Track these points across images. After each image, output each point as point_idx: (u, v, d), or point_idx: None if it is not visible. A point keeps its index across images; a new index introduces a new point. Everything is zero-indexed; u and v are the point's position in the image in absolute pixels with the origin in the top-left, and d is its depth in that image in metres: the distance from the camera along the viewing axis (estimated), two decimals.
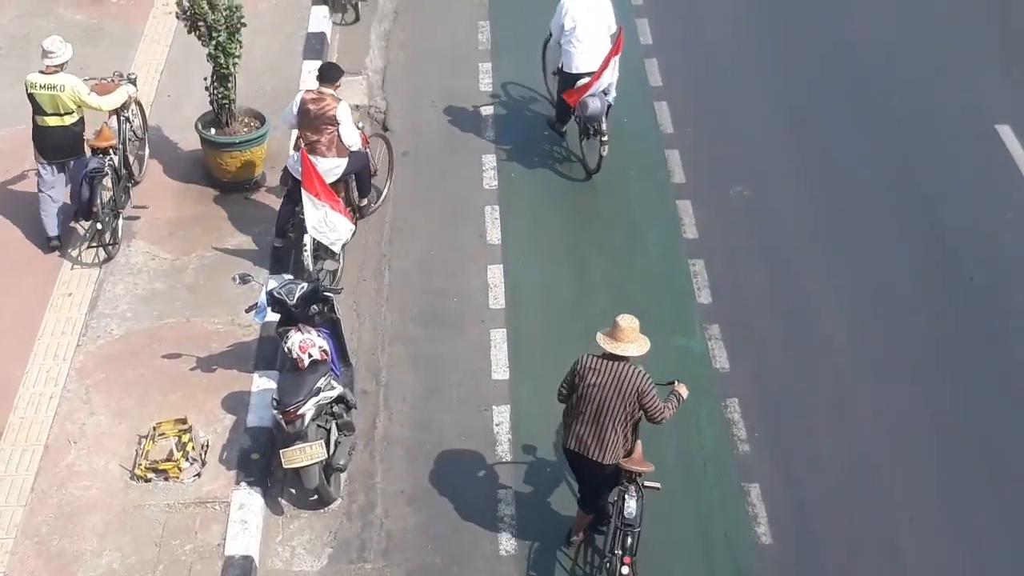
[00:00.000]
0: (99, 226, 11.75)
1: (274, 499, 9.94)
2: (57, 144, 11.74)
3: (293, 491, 10.01)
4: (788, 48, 15.51)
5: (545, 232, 12.68)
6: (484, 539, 9.78)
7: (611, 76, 12.93)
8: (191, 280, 11.74)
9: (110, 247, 11.96)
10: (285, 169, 12.00)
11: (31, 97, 11.64)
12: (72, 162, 11.79)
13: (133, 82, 12.50)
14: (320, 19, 15.44)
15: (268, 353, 10.95)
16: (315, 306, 10.13)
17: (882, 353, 11.38)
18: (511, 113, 14.33)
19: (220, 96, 12.30)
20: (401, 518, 9.92)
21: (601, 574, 9.35)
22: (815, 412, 10.83)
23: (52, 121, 11.65)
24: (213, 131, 12.51)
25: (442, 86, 14.73)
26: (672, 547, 9.72)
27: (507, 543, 9.75)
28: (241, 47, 12.14)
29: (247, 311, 10.41)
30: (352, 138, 11.81)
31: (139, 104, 13.01)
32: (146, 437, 10.15)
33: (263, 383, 10.62)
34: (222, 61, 12.04)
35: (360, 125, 12.31)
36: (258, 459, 10.05)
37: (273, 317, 10.25)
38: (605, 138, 13.00)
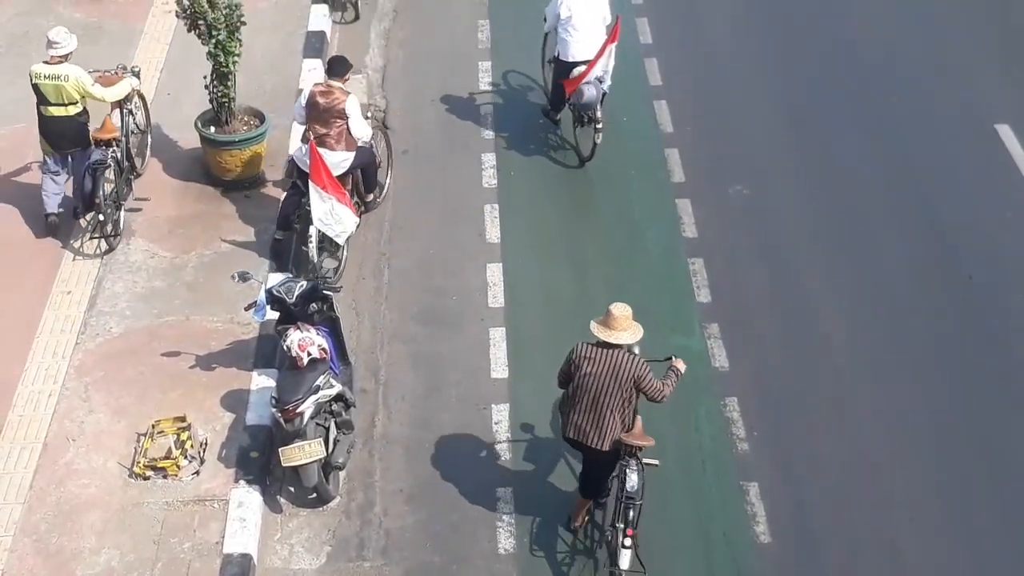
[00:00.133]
0: (101, 217, 11.80)
1: (273, 497, 9.94)
2: (61, 134, 11.80)
3: (292, 489, 10.01)
4: (788, 47, 15.51)
5: (544, 231, 12.68)
6: (483, 537, 9.77)
7: (606, 64, 13.01)
8: (190, 278, 11.74)
9: (112, 238, 12.01)
10: (291, 160, 12.08)
11: (35, 87, 11.70)
12: (76, 154, 11.83)
13: (137, 75, 12.56)
14: (320, 17, 15.44)
15: (267, 351, 10.94)
16: (314, 304, 10.13)
17: (881, 352, 11.38)
18: (511, 112, 14.32)
19: (220, 94, 12.30)
20: (400, 516, 9.92)
21: (602, 548, 9.44)
22: (814, 411, 10.83)
23: (56, 111, 11.70)
24: (213, 129, 12.50)
25: (442, 85, 14.72)
26: (671, 546, 9.72)
27: (506, 541, 9.75)
28: (241, 45, 12.13)
29: (246, 309, 10.40)
30: (362, 131, 11.90)
31: (142, 97, 13.06)
32: (145, 435, 10.15)
33: (262, 381, 10.62)
34: (222, 59, 12.03)
35: (368, 115, 12.36)
36: (257, 457, 10.05)
37: (272, 315, 10.25)
38: (599, 125, 13.10)
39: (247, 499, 9.71)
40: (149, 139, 13.15)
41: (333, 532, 9.77)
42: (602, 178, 13.36)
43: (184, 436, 10.11)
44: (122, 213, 12.12)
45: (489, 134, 13.97)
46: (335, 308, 10.41)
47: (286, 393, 9.46)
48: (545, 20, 13.63)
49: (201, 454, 10.07)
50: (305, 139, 11.83)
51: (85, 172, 11.68)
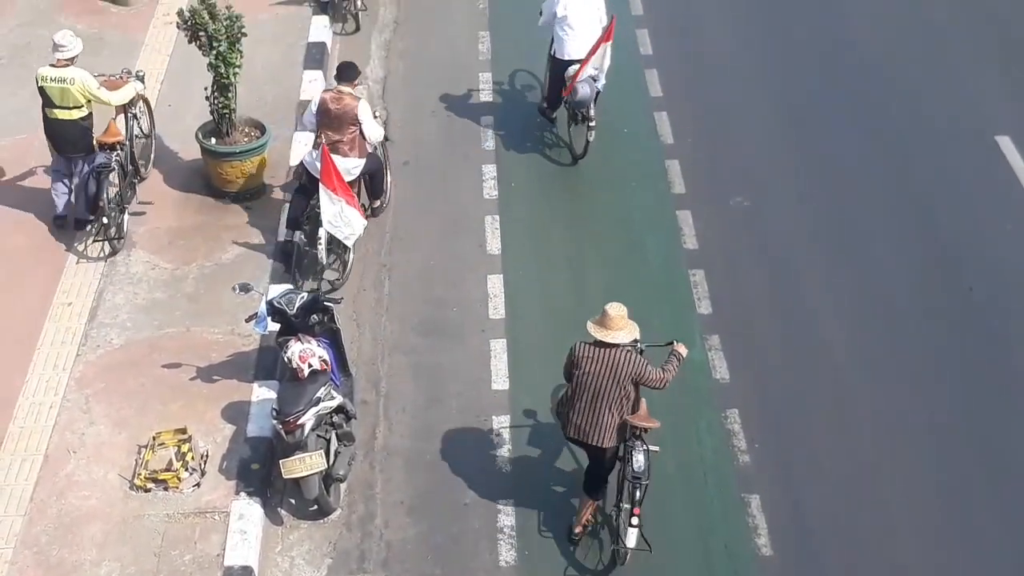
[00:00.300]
0: (105, 220, 11.87)
1: (273, 509, 9.93)
2: (65, 138, 11.88)
3: (293, 501, 9.99)
4: (788, 59, 15.53)
5: (545, 242, 12.69)
6: (484, 549, 9.76)
7: (600, 63, 13.12)
8: (191, 290, 11.74)
9: (115, 241, 12.07)
10: (301, 164, 12.20)
11: (41, 90, 11.78)
12: (80, 159, 11.89)
13: (141, 79, 12.66)
14: (321, 29, 15.47)
15: (268, 363, 10.94)
16: (315, 316, 10.13)
17: (882, 364, 11.38)
18: (511, 123, 14.33)
19: (220, 106, 12.31)
20: (401, 528, 9.91)
21: (604, 529, 9.59)
22: (816, 423, 10.82)
23: (61, 114, 11.77)
24: (213, 141, 12.52)
25: (442, 96, 14.74)
26: (673, 558, 9.70)
27: (507, 553, 9.73)
28: (242, 57, 12.15)
29: (247, 321, 10.41)
30: (375, 134, 12.08)
31: (146, 102, 13.14)
32: (146, 447, 10.14)
33: (263, 393, 10.62)
34: (223, 71, 12.05)
35: (377, 114, 12.40)
36: (258, 469, 10.04)
37: (273, 327, 10.24)
38: (592, 123, 13.23)
39: (248, 511, 9.70)
40: (153, 143, 13.22)
41: (334, 544, 9.76)
42: (603, 189, 13.38)
43: (185, 448, 10.10)
44: (126, 217, 12.21)
45: (490, 145, 13.98)
46: (336, 319, 10.41)
47: (287, 405, 9.46)
48: (541, 14, 13.77)
49: (202, 466, 10.06)
50: (318, 146, 11.86)
51: (89, 175, 11.78)
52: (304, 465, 9.41)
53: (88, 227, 12.13)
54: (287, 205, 12.40)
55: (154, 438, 10.20)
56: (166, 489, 9.87)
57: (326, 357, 9.91)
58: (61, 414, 10.48)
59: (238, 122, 12.63)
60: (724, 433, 10.71)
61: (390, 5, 16.42)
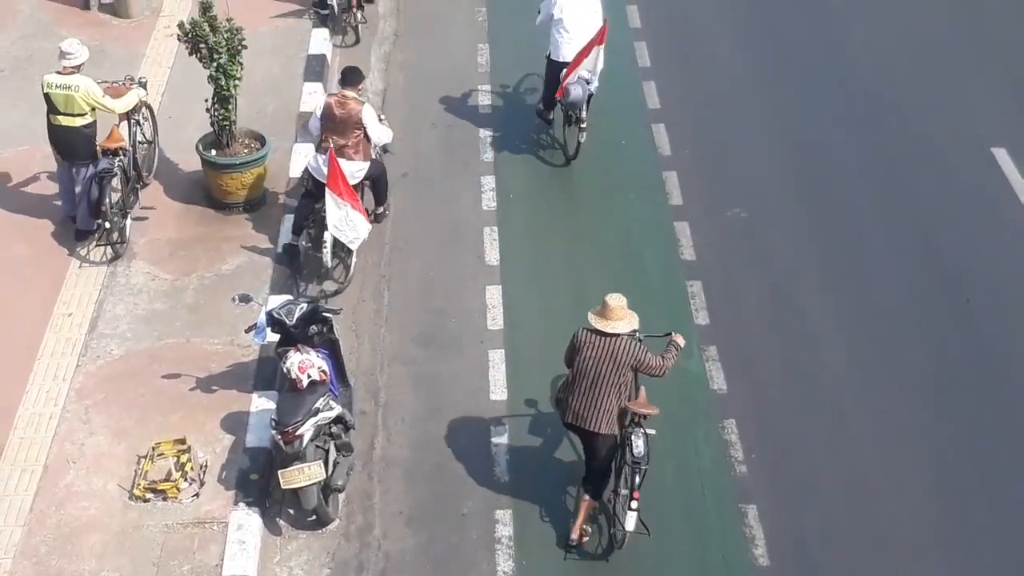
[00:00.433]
0: (107, 225, 11.95)
1: (272, 520, 9.95)
2: (69, 144, 11.99)
3: (291, 512, 10.01)
4: (786, 71, 15.58)
5: (544, 253, 12.72)
6: (482, 560, 9.78)
7: (592, 65, 13.29)
8: (191, 300, 11.78)
9: (118, 245, 12.16)
10: (306, 169, 12.31)
11: (47, 97, 11.89)
12: (84, 168, 11.99)
13: (144, 86, 12.75)
14: (321, 41, 15.53)
15: (267, 373, 10.98)
16: (314, 326, 10.16)
17: (880, 376, 11.41)
18: (510, 134, 14.38)
19: (221, 118, 12.37)
20: (399, 539, 9.93)
21: (600, 514, 9.77)
22: (813, 434, 10.85)
23: (64, 120, 11.88)
24: (214, 152, 12.57)
25: (441, 108, 14.80)
26: (670, 569, 9.74)
27: (505, 564, 9.75)
28: (242, 69, 12.21)
29: (246, 331, 10.44)
30: (384, 135, 12.23)
31: (149, 108, 13.24)
32: (145, 457, 10.17)
33: (262, 403, 10.65)
34: (223, 83, 12.11)
35: (382, 117, 12.52)
36: (257, 479, 10.07)
37: (272, 337, 10.28)
38: (583, 125, 13.45)
39: (247, 521, 9.73)
40: (156, 149, 13.31)
41: (332, 555, 9.78)
42: (601, 201, 13.43)
43: (184, 458, 10.13)
44: (128, 222, 12.31)
45: (488, 156, 14.03)
46: (335, 330, 10.44)
47: (286, 415, 9.49)
48: (539, 13, 13.93)
49: (201, 476, 10.09)
50: (322, 149, 11.97)
51: (91, 181, 11.88)
52: (303, 475, 9.44)
53: (89, 237, 12.20)
54: (289, 213, 12.52)
55: (153, 448, 10.23)
56: (165, 499, 9.89)
57: (325, 368, 9.94)
58: (61, 425, 10.51)
59: (238, 134, 12.68)
60: (721, 444, 10.73)
61: (390, 18, 16.49)
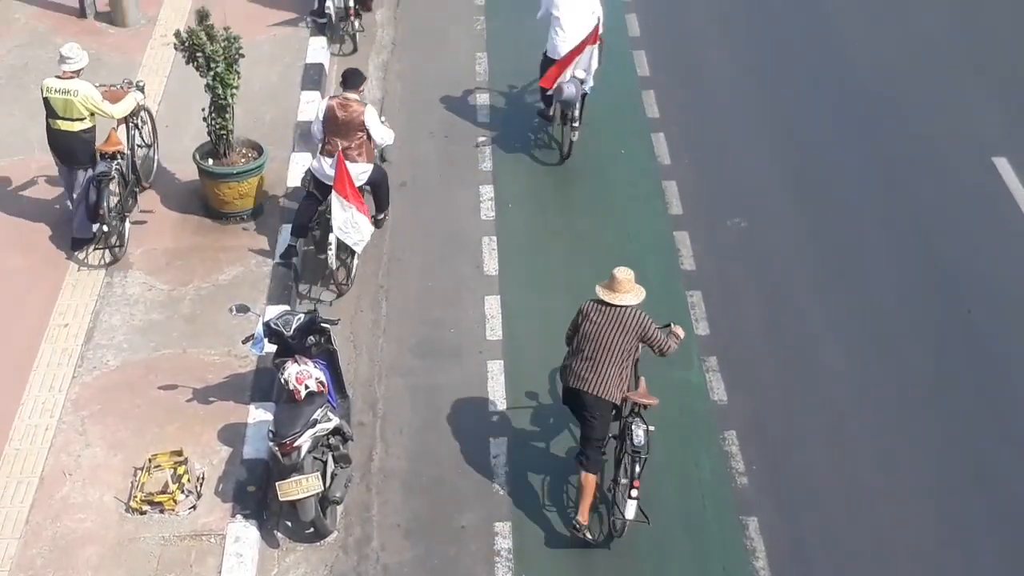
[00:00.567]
0: (105, 229, 11.94)
1: (270, 532, 9.88)
2: (67, 149, 12.01)
3: (289, 524, 9.94)
4: (785, 81, 15.56)
5: (542, 263, 12.68)
6: (481, 572, 9.71)
7: (587, 64, 13.43)
8: (188, 311, 11.72)
9: (116, 249, 12.15)
10: (308, 171, 12.41)
11: (46, 101, 11.91)
12: (82, 172, 12.01)
13: (141, 89, 12.77)
14: (318, 50, 15.50)
15: (264, 384, 10.92)
16: (312, 337, 10.12)
17: (881, 386, 11.36)
18: (508, 144, 14.35)
19: (218, 127, 12.32)
20: (397, 551, 9.86)
21: (602, 505, 9.88)
22: (814, 445, 10.80)
23: (63, 125, 11.90)
24: (211, 161, 12.52)
25: (439, 117, 14.76)
26: None
27: None
28: (239, 78, 12.18)
29: (244, 342, 10.39)
30: (386, 136, 12.30)
31: (148, 111, 13.24)
32: (142, 469, 10.11)
33: (259, 415, 10.59)
34: (220, 92, 12.07)
35: (383, 119, 12.53)
36: (254, 491, 10.01)
37: (270, 348, 10.24)
38: (576, 124, 13.59)
39: (244, 534, 9.66)
40: (156, 153, 13.30)
41: (330, 567, 9.70)
42: (600, 210, 13.38)
43: (181, 470, 10.06)
44: (127, 225, 12.30)
45: (487, 166, 13.99)
46: (333, 341, 10.39)
47: (283, 427, 9.43)
48: (540, 8, 14.04)
49: (198, 488, 10.03)
50: (325, 152, 12.01)
51: (89, 184, 11.88)
52: (300, 487, 9.38)
53: (85, 245, 12.16)
54: (287, 223, 12.50)
55: (150, 460, 10.16)
56: (162, 512, 9.82)
57: (323, 379, 9.89)
58: (57, 436, 10.44)
59: (235, 143, 12.64)
60: (722, 455, 10.68)
61: (388, 26, 16.46)
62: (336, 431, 9.94)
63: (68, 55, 11.84)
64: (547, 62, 13.79)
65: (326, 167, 11.90)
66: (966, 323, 12.04)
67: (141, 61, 15.05)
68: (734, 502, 10.28)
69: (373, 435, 10.79)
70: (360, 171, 12.05)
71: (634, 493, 9.49)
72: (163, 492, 9.87)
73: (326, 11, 15.63)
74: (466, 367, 11.47)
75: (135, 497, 9.87)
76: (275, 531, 9.90)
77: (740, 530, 10.05)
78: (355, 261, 12.16)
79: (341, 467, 9.97)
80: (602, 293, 9.73)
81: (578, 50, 13.29)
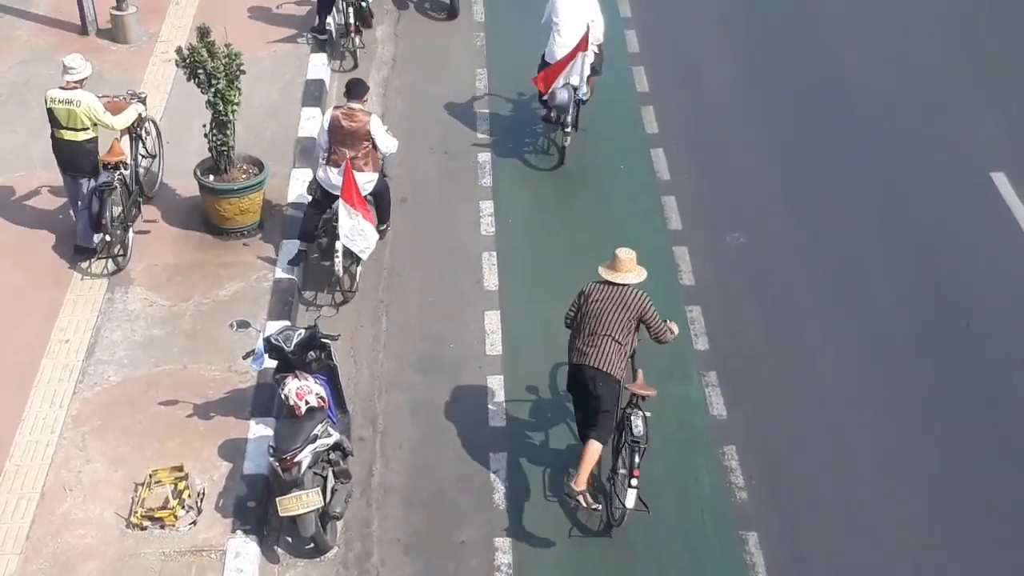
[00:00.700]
0: (108, 238, 12.02)
1: (270, 547, 9.89)
2: (70, 158, 12.14)
3: (289, 539, 9.95)
4: (785, 96, 15.59)
5: (542, 278, 12.70)
6: None
7: (579, 71, 13.63)
8: (188, 327, 11.75)
9: (120, 258, 12.23)
10: (314, 180, 12.53)
11: (49, 111, 12.03)
12: (85, 182, 12.12)
13: (143, 101, 12.84)
14: (319, 66, 15.55)
15: (265, 400, 10.94)
16: (312, 353, 10.13)
17: (880, 401, 11.37)
18: (508, 159, 14.39)
19: (219, 143, 12.36)
20: (398, 567, 9.86)
21: (600, 496, 10.01)
22: (813, 459, 10.81)
23: (67, 135, 12.03)
24: (212, 178, 12.56)
25: (440, 133, 14.80)
26: None
27: None
28: (240, 94, 12.22)
29: (244, 358, 10.40)
30: (389, 145, 12.40)
31: (154, 122, 13.35)
32: (142, 484, 10.12)
33: (260, 430, 10.61)
34: (221, 108, 12.11)
35: (387, 128, 12.63)
36: (254, 507, 10.02)
37: (270, 364, 10.24)
38: (568, 130, 13.88)
39: (244, 549, 9.67)
40: (162, 164, 13.39)
41: None
42: (600, 226, 13.40)
43: (181, 486, 10.08)
44: (131, 235, 12.37)
45: (487, 181, 14.02)
46: (333, 356, 10.41)
47: (284, 442, 9.45)
48: (544, 14, 14.33)
49: (198, 504, 10.04)
50: (331, 162, 12.13)
51: (92, 194, 11.98)
52: (301, 503, 9.39)
53: (86, 254, 12.27)
54: (288, 238, 12.60)
55: (151, 476, 10.18)
56: (162, 527, 9.84)
57: (323, 394, 9.90)
58: (58, 452, 10.46)
59: (236, 159, 12.68)
60: (721, 470, 10.69)
61: (388, 43, 16.51)
62: (336, 446, 9.95)
63: (71, 65, 11.97)
64: (543, 66, 14.02)
65: (332, 177, 12.05)
66: (965, 337, 12.05)
67: (143, 78, 15.09)
68: (734, 517, 10.29)
69: (373, 450, 10.80)
70: (366, 180, 12.16)
71: (634, 482, 9.63)
72: (163, 508, 9.89)
73: (327, 28, 15.70)
74: (466, 382, 11.49)
75: (136, 513, 9.89)
76: (275, 546, 9.91)
77: (740, 545, 10.06)
78: (359, 268, 12.32)
79: (341, 482, 9.98)
80: (605, 273, 10.07)
81: (570, 57, 13.53)
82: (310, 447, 9.48)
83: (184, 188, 13.23)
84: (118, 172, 12.18)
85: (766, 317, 12.26)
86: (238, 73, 12.08)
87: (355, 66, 15.79)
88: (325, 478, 9.72)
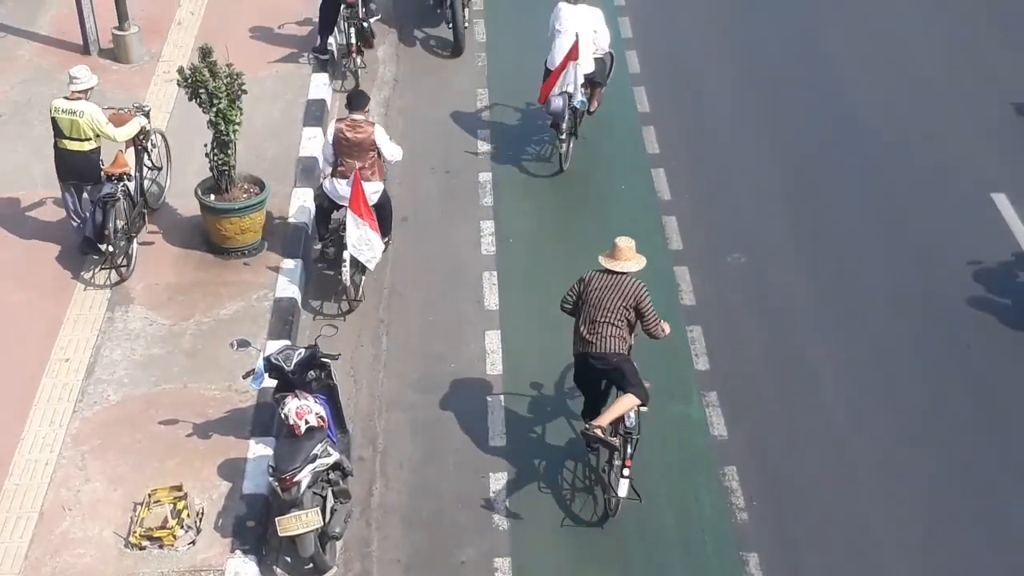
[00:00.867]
0: (111, 249, 12.04)
1: (269, 567, 9.86)
2: (72, 168, 12.23)
3: (288, 559, 9.92)
4: (785, 116, 15.61)
5: (543, 298, 12.62)
6: None
7: (572, 80, 13.83)
8: (189, 346, 11.74)
9: (123, 268, 12.30)
10: (320, 188, 12.68)
11: (53, 121, 12.14)
12: (88, 188, 12.21)
13: (147, 114, 12.90)
14: (320, 86, 15.58)
15: (265, 419, 10.92)
16: (312, 372, 10.13)
17: (881, 422, 11.35)
18: (509, 179, 14.41)
19: (220, 162, 12.38)
20: None
21: (597, 487, 10.37)
22: (814, 480, 10.78)
23: (70, 145, 12.13)
24: (213, 197, 12.57)
25: (441, 152, 14.82)
26: None
27: None
28: (241, 114, 12.25)
29: (244, 377, 10.39)
30: (394, 153, 12.56)
31: (163, 135, 13.45)
32: (141, 504, 10.10)
33: (259, 450, 10.59)
34: (222, 128, 12.14)
35: (388, 136, 12.74)
36: (254, 527, 9.99)
37: (270, 383, 10.24)
38: (562, 136, 14.12)
39: (243, 569, 9.64)
40: (169, 177, 13.47)
41: None
42: (600, 245, 13.27)
43: (180, 505, 10.05)
44: (135, 245, 12.44)
45: (488, 201, 14.04)
46: (333, 376, 10.41)
47: (283, 462, 9.42)
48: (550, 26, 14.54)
49: (197, 523, 10.01)
50: (338, 174, 12.25)
51: (96, 205, 12.05)
52: (300, 523, 9.37)
53: (93, 254, 12.37)
54: (289, 257, 12.74)
55: (150, 495, 10.15)
56: (161, 547, 9.81)
57: (323, 414, 9.89)
58: (57, 471, 10.44)
59: (237, 179, 12.69)
60: (722, 490, 10.66)
61: (389, 63, 16.55)
62: (336, 466, 9.93)
63: (76, 75, 12.13)
64: (546, 73, 14.23)
65: (340, 188, 12.22)
66: (966, 358, 12.04)
67: (144, 97, 15.07)
68: (734, 538, 10.26)
69: (373, 470, 10.78)
70: (373, 190, 12.27)
71: (626, 472, 9.81)
72: (162, 527, 9.86)
73: (328, 48, 15.74)
74: (467, 402, 11.48)
75: (134, 532, 9.86)
76: (274, 567, 9.89)
77: (741, 566, 10.02)
78: (362, 278, 12.46)
79: (341, 502, 9.96)
80: (604, 261, 10.30)
81: (561, 67, 13.76)
82: (310, 467, 9.46)
83: (185, 207, 13.24)
84: (122, 184, 12.25)
85: (767, 337, 12.25)
86: (240, 93, 12.11)
87: (356, 86, 15.77)
88: (324, 498, 9.69)
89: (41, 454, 10.58)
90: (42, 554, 9.76)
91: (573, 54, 13.69)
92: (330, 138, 12.30)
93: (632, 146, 14.96)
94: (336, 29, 15.71)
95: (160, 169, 13.40)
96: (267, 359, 10.10)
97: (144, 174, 13.01)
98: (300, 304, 12.36)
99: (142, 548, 9.79)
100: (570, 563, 9.97)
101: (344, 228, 12.03)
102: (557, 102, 13.92)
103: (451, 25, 16.49)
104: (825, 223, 13.78)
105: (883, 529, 10.37)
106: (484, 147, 14.94)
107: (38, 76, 15.48)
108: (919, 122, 15.45)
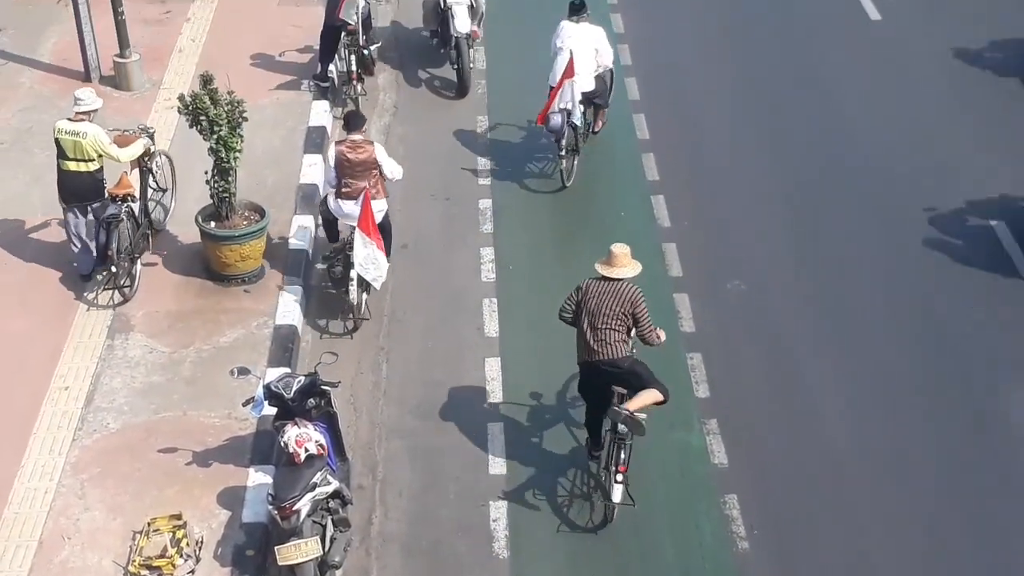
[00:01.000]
0: (114, 269, 12.11)
1: None
2: (76, 189, 12.30)
3: None
4: (785, 143, 15.64)
5: (543, 325, 12.63)
6: None
7: (569, 97, 14.01)
8: (188, 373, 11.73)
9: (126, 289, 12.35)
10: (324, 203, 12.74)
11: (56, 142, 12.24)
12: (90, 208, 12.27)
13: (151, 136, 12.98)
14: (321, 113, 15.62)
15: (264, 447, 10.90)
16: (312, 400, 10.11)
17: (882, 451, 11.32)
18: (510, 205, 14.43)
19: (221, 189, 12.41)
20: None
21: (596, 491, 10.51)
22: (815, 509, 10.74)
23: (73, 166, 12.22)
24: (213, 224, 12.59)
25: (441, 179, 14.85)
26: None
27: None
28: (242, 141, 12.29)
29: (244, 405, 10.37)
30: (395, 171, 12.64)
31: (168, 156, 13.53)
32: (140, 533, 10.06)
33: (259, 478, 10.56)
34: (223, 155, 12.17)
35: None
36: (253, 555, 9.96)
37: (270, 411, 10.22)
38: (563, 153, 14.34)
39: None
40: (174, 199, 13.56)
41: None
42: None
43: (180, 534, 10.02)
44: (138, 266, 12.51)
45: (488, 228, 14.05)
46: (333, 403, 10.39)
47: (283, 490, 9.40)
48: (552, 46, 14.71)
49: (197, 552, 9.98)
50: (344, 196, 12.33)
51: (100, 226, 12.12)
52: (300, 551, 9.33)
53: (96, 275, 12.46)
54: (290, 283, 12.77)
55: (149, 524, 10.12)
56: None
57: (323, 441, 9.86)
58: (56, 499, 10.41)
59: (238, 206, 12.71)
60: (723, 519, 10.63)
61: (389, 90, 16.60)
62: (336, 494, 9.90)
63: (80, 97, 12.25)
64: (550, 91, 14.37)
65: (346, 208, 12.32)
66: (967, 386, 12.02)
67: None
68: (735, 566, 10.22)
69: (373, 498, 10.76)
70: (379, 208, 12.35)
71: (619, 478, 9.98)
72: (162, 556, 9.82)
73: (329, 75, 15.80)
74: (467, 429, 11.45)
75: (134, 561, 9.82)
76: None
77: None
78: (366, 296, 12.56)
79: (340, 531, 9.93)
80: (601, 268, 10.41)
81: (558, 85, 13.89)
82: (309, 495, 9.44)
83: (185, 234, 13.26)
84: (125, 205, 12.30)
85: (767, 364, 12.24)
86: (240, 120, 12.16)
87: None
88: (324, 526, 9.66)
89: (40, 482, 10.55)
90: None
91: (569, 72, 13.85)
92: (331, 161, 12.38)
93: (632, 173, 14.99)
94: (337, 56, 15.77)
95: (166, 191, 13.49)
96: (267, 387, 10.08)
97: (149, 195, 13.09)
98: (300, 332, 12.36)
99: None
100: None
101: (351, 247, 12.09)
102: (556, 119, 14.08)
103: (456, 66, 16.35)
104: (825, 249, 13.79)
105: (884, 558, 10.33)
106: (484, 174, 14.97)
107: (39, 104, 15.53)
108: (921, 148, 15.47)
